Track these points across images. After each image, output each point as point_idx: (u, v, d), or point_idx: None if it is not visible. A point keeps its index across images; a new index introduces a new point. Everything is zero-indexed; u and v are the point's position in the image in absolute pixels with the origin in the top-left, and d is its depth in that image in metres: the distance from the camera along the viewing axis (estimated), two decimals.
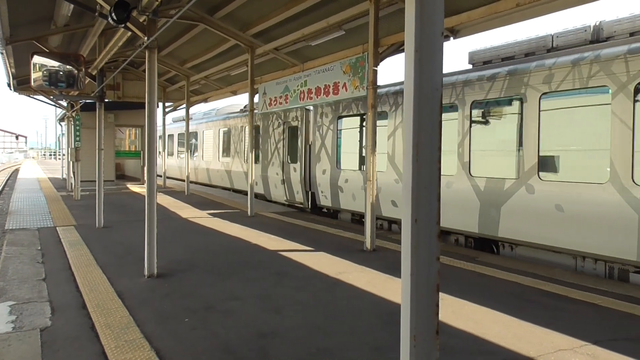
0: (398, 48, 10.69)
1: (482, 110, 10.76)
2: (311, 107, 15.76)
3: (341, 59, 12.46)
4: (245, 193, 20.16)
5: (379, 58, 10.37)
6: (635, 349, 5.25)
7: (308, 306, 6.61)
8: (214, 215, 15.10)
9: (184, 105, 22.82)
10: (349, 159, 14.49)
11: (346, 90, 12.07)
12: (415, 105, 2.78)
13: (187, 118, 23.17)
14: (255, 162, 19.45)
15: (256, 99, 16.44)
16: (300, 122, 17.23)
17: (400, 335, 2.87)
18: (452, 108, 11.13)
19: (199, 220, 13.97)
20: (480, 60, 11.32)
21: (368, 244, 10.11)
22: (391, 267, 8.64)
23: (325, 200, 15.47)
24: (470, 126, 10.77)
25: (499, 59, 10.86)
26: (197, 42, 16.17)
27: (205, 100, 23.86)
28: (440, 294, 2.90)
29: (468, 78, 10.87)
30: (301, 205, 17.09)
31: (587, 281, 7.93)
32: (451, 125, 11.03)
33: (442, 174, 2.84)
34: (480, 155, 10.66)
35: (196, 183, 27.42)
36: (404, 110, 2.88)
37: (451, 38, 10.32)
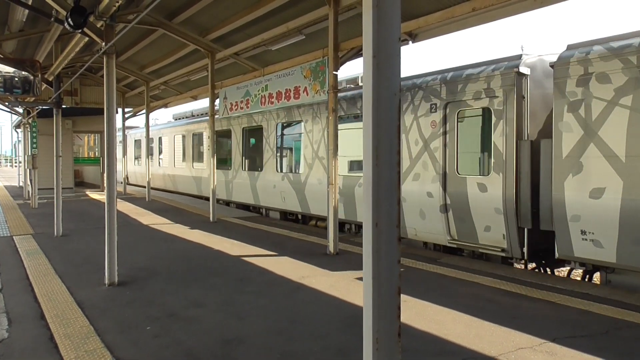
0: (357, 52, 10.78)
1: None
2: (528, 71, 9.04)
3: (301, 63, 12.53)
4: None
5: (338, 62, 10.42)
6: (592, 345, 5.38)
7: (271, 311, 6.60)
8: (175, 221, 14.94)
9: (144, 111, 22.57)
10: None
11: (307, 94, 12.14)
12: (374, 110, 2.81)
13: (147, 124, 22.86)
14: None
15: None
16: (497, 101, 9.32)
17: (363, 338, 2.90)
18: None
19: (161, 227, 13.81)
20: None
21: (331, 248, 10.13)
22: (354, 270, 8.67)
23: (595, 250, 7.86)
24: None
25: None
26: (157, 47, 16.03)
27: (165, 106, 23.65)
28: (404, 296, 2.94)
29: None
30: (493, 251, 9.53)
31: (545, 280, 8.09)
32: None
33: None
34: None
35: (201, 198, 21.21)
36: (362, 114, 2.91)
37: (410, 42, 10.43)
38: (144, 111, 22.73)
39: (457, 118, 10.03)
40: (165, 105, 23.61)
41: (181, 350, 5.30)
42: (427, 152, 10.54)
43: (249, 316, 6.40)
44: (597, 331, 5.82)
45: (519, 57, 9.22)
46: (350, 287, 7.67)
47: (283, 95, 13.32)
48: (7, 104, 19.99)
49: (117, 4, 7.48)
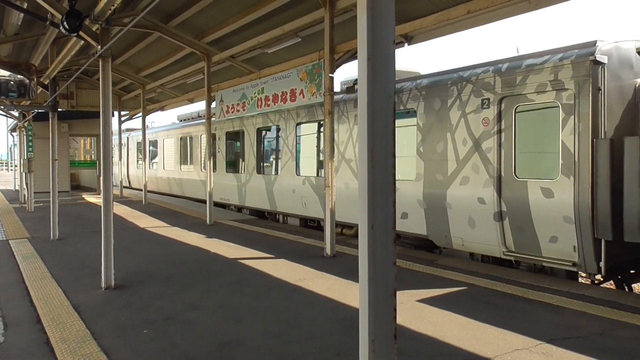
0: (353, 55, 10.77)
1: None
2: (605, 59, 7.77)
3: (297, 66, 12.52)
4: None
5: (334, 65, 10.42)
6: (588, 346, 5.39)
7: (268, 314, 6.59)
8: (172, 224, 14.92)
9: (140, 114, 22.57)
10: None
11: (303, 97, 12.13)
12: (369, 112, 2.82)
13: (144, 127, 22.84)
14: (417, 179, 10.48)
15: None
16: (566, 94, 8.09)
17: (359, 340, 2.90)
18: None
19: (157, 230, 13.79)
20: None
21: (328, 250, 10.14)
22: (351, 272, 8.66)
23: None
24: None
25: None
26: (153, 50, 16.03)
27: (161, 109, 23.65)
28: (400, 297, 2.94)
29: None
30: (562, 265, 8.26)
31: (542, 281, 8.10)
32: None
33: None
34: None
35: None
36: (358, 117, 2.92)
37: (405, 44, 10.45)
38: (140, 114, 22.73)
39: (515, 114, 8.76)
40: (162, 108, 23.61)
41: (178, 354, 5.29)
42: (477, 152, 9.28)
43: (246, 319, 6.40)
44: (593, 332, 5.84)
45: (594, 43, 7.94)
46: (347, 289, 7.67)
47: (279, 98, 13.31)
48: (2, 107, 19.95)
49: (112, 8, 7.48)
